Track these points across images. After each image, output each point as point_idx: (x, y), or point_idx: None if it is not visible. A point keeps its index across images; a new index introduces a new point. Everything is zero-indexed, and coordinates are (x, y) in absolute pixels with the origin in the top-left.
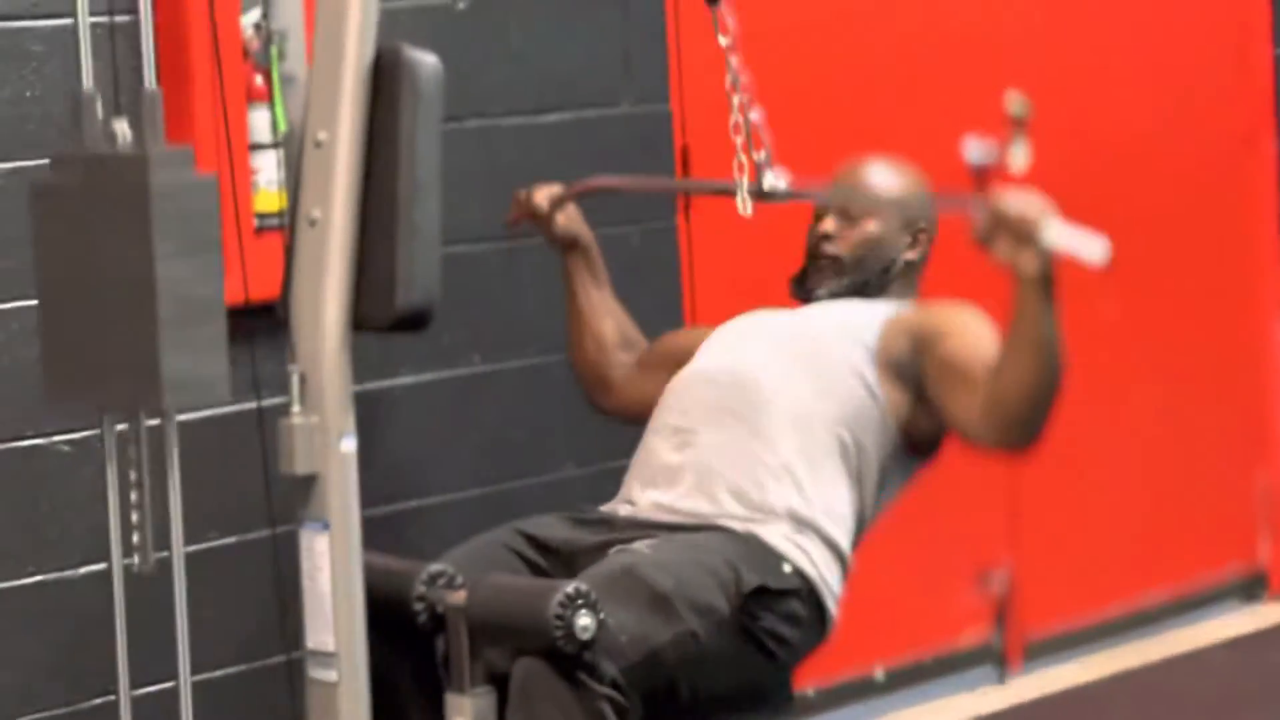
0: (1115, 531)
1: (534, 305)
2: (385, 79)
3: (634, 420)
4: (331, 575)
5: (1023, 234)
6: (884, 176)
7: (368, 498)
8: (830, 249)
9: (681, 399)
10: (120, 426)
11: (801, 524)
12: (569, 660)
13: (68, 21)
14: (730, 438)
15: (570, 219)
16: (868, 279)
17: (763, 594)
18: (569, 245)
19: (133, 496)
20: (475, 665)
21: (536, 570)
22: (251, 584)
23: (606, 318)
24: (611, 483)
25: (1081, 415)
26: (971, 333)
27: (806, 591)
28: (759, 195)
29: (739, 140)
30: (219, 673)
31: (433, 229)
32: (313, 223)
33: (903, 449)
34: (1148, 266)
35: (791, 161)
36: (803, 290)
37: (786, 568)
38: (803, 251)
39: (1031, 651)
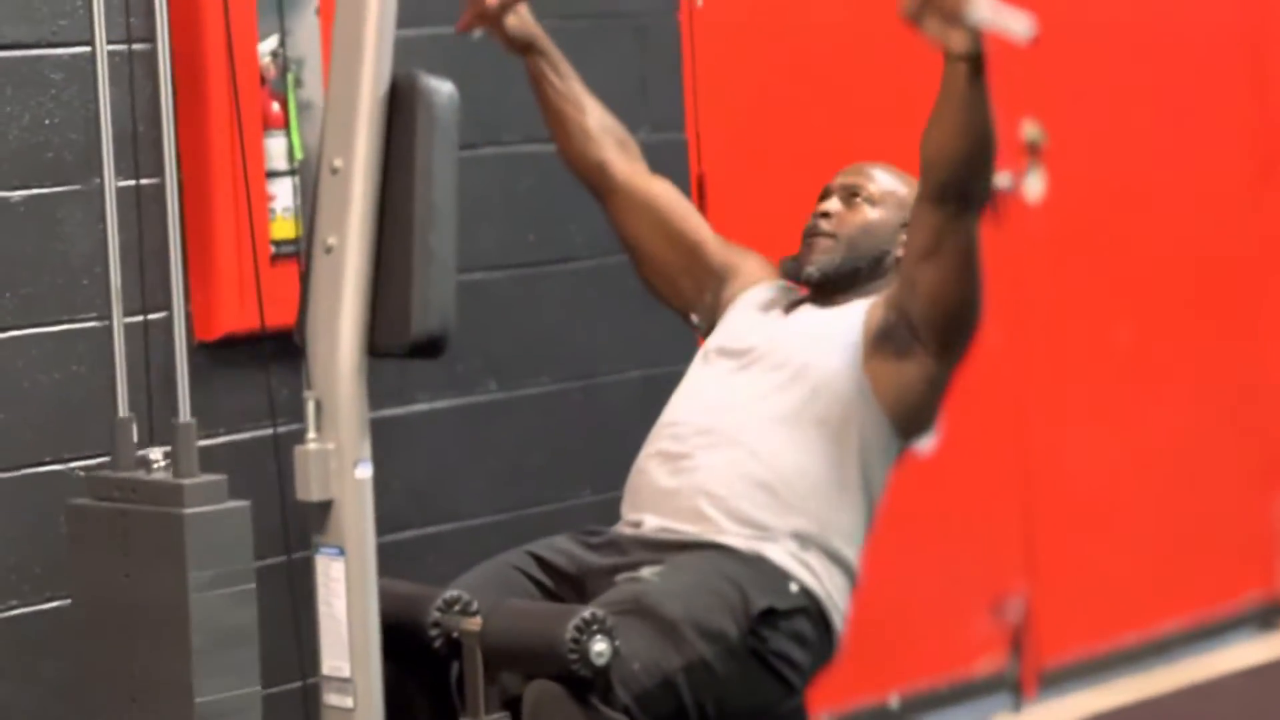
0: (1131, 559)
1: (549, 332)
2: (401, 106)
3: (617, 235)
4: (347, 601)
5: (951, 10)
6: (888, 171)
7: (383, 524)
8: (827, 226)
9: (675, 426)
10: None
11: (806, 539)
12: (582, 685)
13: (86, 49)
14: (726, 458)
15: (522, 20)
16: (859, 266)
17: (771, 615)
18: (525, 46)
19: None
20: (490, 690)
21: (548, 593)
22: (268, 609)
23: (584, 111)
24: None
25: (1097, 443)
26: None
27: (814, 610)
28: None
29: None
30: None
31: (448, 256)
32: (329, 250)
33: (890, 428)
34: (1164, 295)
35: (800, 188)
36: (795, 266)
37: (793, 587)
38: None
39: (1047, 679)
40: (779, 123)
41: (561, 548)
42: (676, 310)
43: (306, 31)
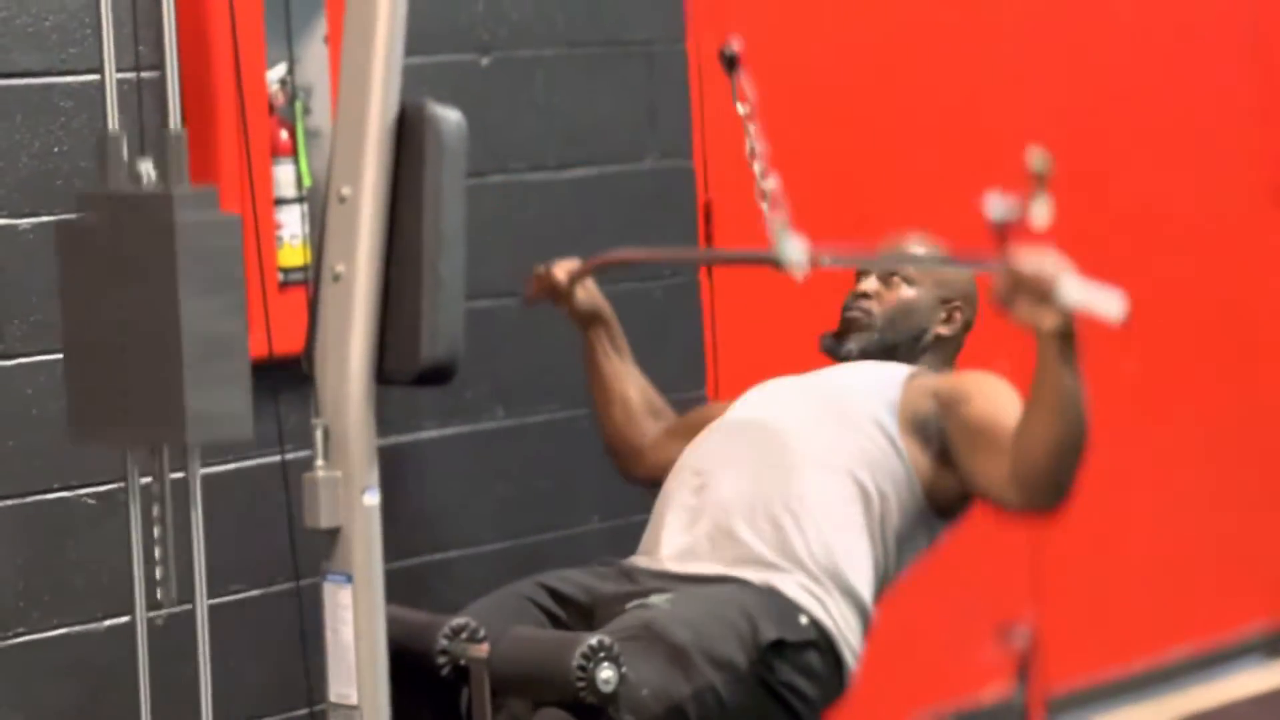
0: (1138, 586)
1: (557, 359)
2: (409, 134)
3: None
4: (355, 628)
5: (1041, 292)
6: (925, 248)
7: (391, 551)
8: (865, 305)
9: (701, 446)
10: (145, 480)
11: (820, 572)
12: (590, 713)
13: (95, 77)
14: (749, 481)
15: (589, 293)
16: (898, 343)
17: (780, 647)
18: (589, 320)
19: (155, 533)
20: (498, 718)
21: (557, 623)
22: (275, 636)
23: (631, 386)
24: (635, 536)
25: (1104, 470)
26: (995, 396)
27: (824, 644)
28: (777, 264)
29: (765, 206)
30: None
31: (456, 283)
32: (337, 277)
33: (927, 508)
34: (1171, 321)
35: (814, 223)
36: (833, 343)
37: (803, 619)
38: (838, 311)
39: (1054, 707)
40: (786, 151)
41: (573, 578)
42: None
43: (315, 59)
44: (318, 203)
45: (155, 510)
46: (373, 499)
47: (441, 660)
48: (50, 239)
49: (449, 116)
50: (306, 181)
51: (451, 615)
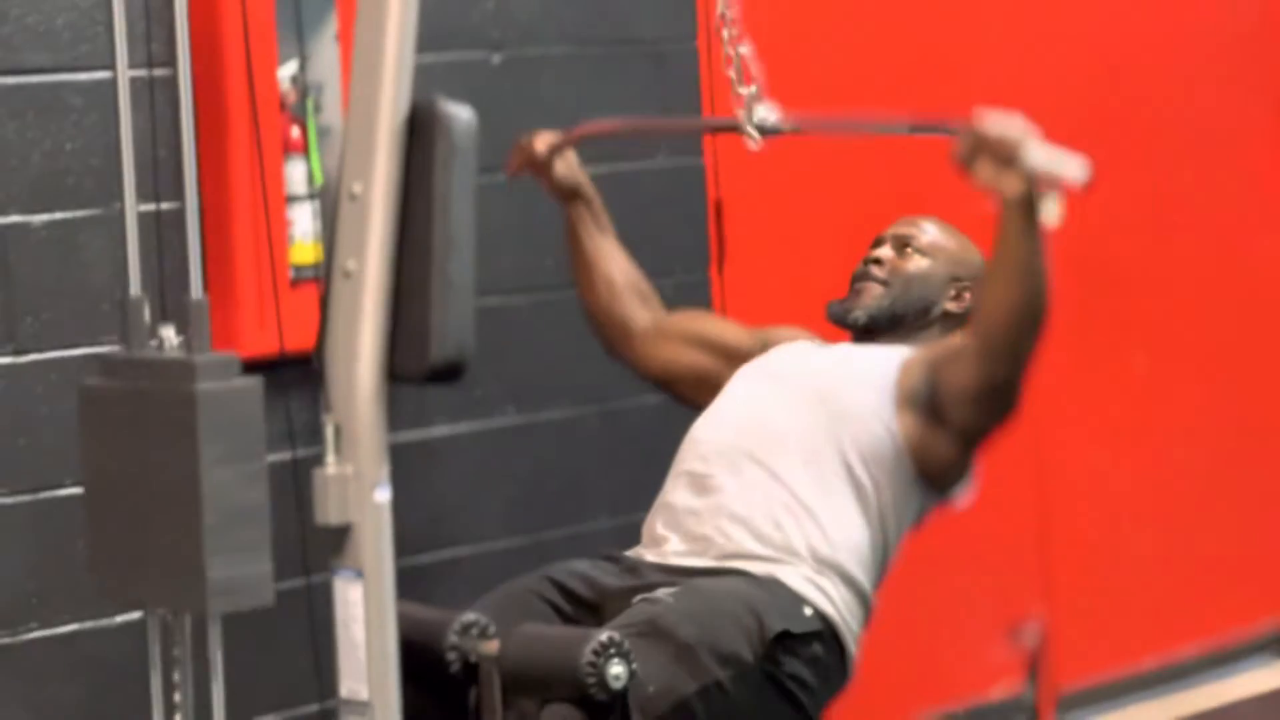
0: (1148, 585)
1: (568, 357)
2: (420, 132)
3: (648, 379)
4: (365, 624)
5: (1004, 156)
6: (941, 226)
7: (402, 548)
8: (877, 272)
9: (700, 446)
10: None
11: (822, 564)
12: (598, 709)
13: (107, 75)
14: (749, 481)
15: (569, 167)
16: (905, 313)
17: (786, 639)
18: (569, 194)
19: (176, 697)
20: (507, 714)
21: (565, 618)
22: (286, 633)
23: (614, 264)
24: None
25: (1114, 468)
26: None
27: (828, 634)
28: (756, 129)
29: (731, 73)
30: None
31: (467, 281)
32: (348, 274)
33: (917, 481)
34: (1181, 320)
35: (828, 226)
36: (841, 309)
37: (808, 610)
38: (848, 280)
39: (1064, 704)
40: (796, 149)
41: (580, 572)
42: None
43: (326, 57)
44: (329, 200)
45: (176, 657)
46: (384, 495)
47: (451, 656)
48: (61, 236)
49: (460, 114)
50: (318, 179)
51: (461, 611)
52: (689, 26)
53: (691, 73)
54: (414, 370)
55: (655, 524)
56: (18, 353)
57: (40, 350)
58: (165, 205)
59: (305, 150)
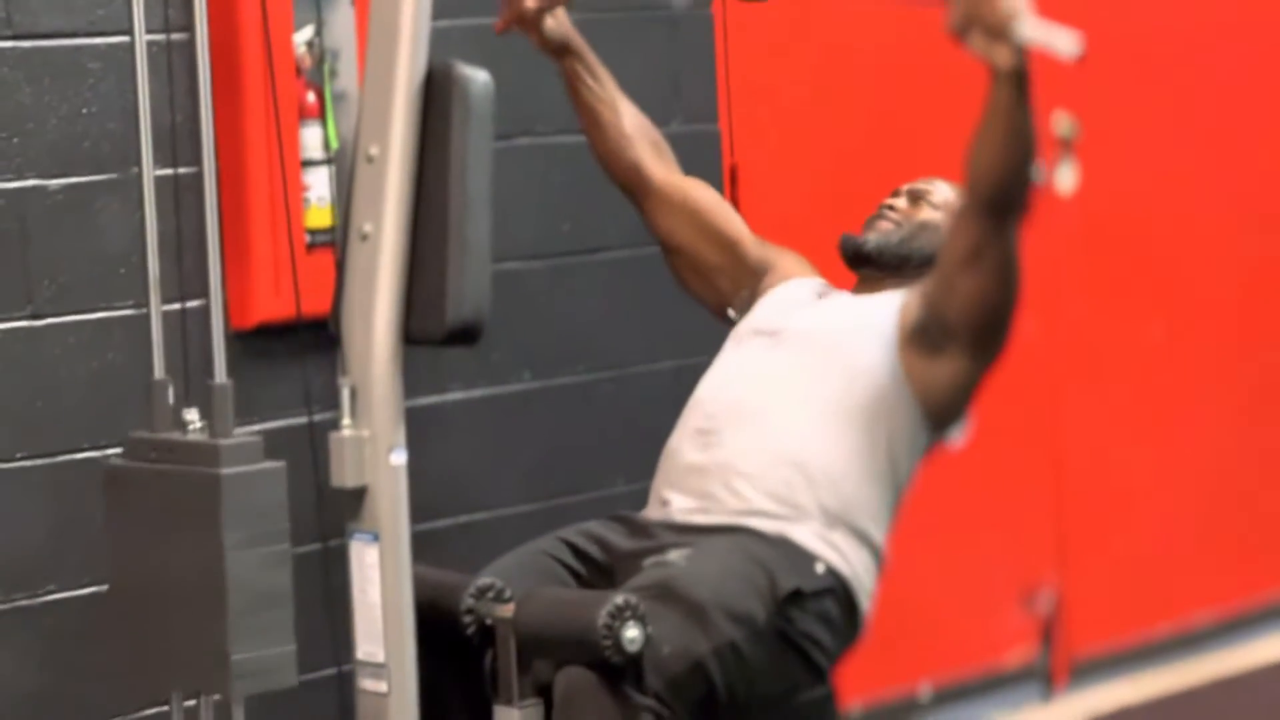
0: (1162, 551)
1: (584, 322)
2: (437, 95)
3: (654, 237)
4: (382, 586)
5: (996, 27)
6: (951, 185)
7: (417, 512)
8: (891, 214)
9: (705, 403)
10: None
11: (832, 518)
12: (613, 672)
13: (124, 39)
14: (754, 436)
15: (559, 22)
16: (911, 255)
17: (798, 597)
18: (561, 50)
19: None
20: (523, 678)
21: (580, 580)
22: (303, 596)
23: (619, 111)
24: None
25: (1129, 435)
26: None
27: (840, 590)
28: None
29: None
30: None
31: (483, 244)
32: (364, 237)
33: (922, 422)
34: (1198, 287)
35: (841, 183)
36: (852, 239)
37: (819, 567)
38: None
39: (1077, 671)
40: (811, 115)
41: (593, 533)
42: (713, 308)
43: (342, 21)
44: (345, 164)
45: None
46: (400, 458)
47: (467, 620)
48: (79, 200)
49: (477, 78)
50: (333, 143)
51: (476, 575)
52: None
53: (707, 39)
54: (431, 333)
55: (662, 482)
56: (35, 316)
57: (57, 314)
58: (182, 170)
59: (321, 115)
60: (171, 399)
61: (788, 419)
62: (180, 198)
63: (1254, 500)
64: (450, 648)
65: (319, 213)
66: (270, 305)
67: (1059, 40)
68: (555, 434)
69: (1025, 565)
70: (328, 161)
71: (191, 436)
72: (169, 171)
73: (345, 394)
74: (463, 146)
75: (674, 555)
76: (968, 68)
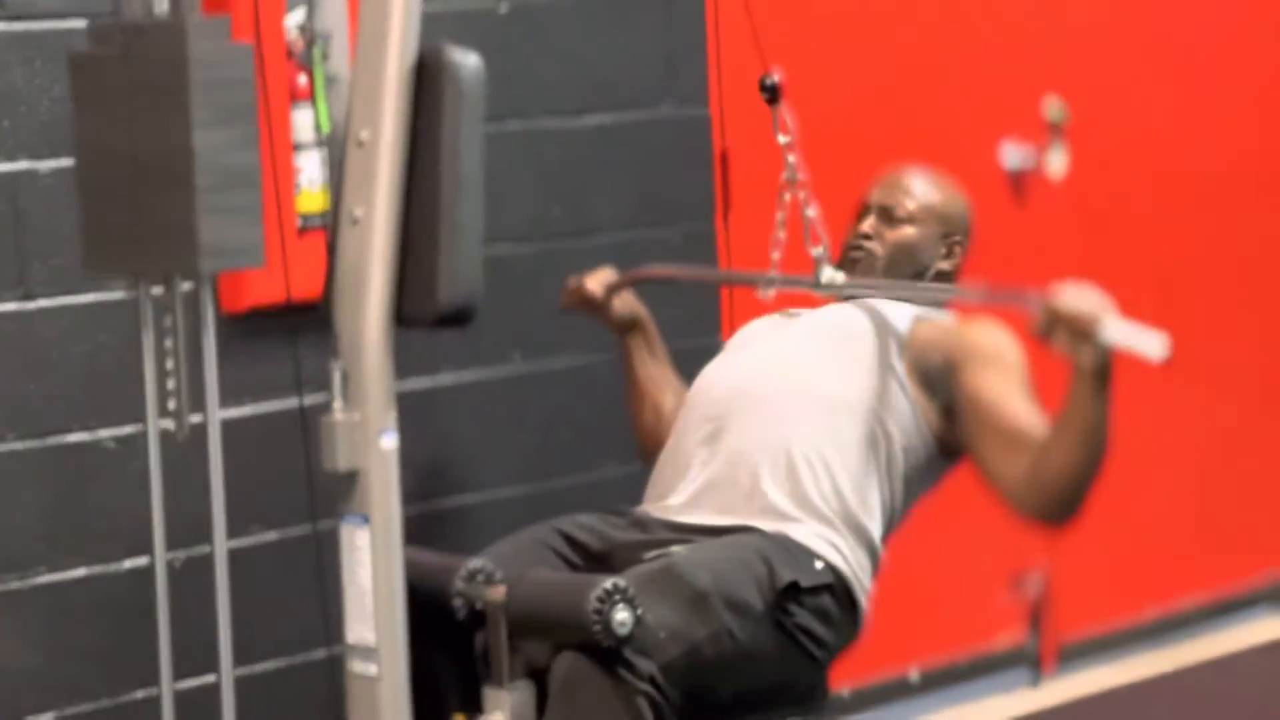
0: (1151, 535)
1: None
2: (428, 79)
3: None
4: (372, 570)
5: (1081, 330)
6: (924, 183)
7: (408, 495)
8: (868, 245)
9: (712, 390)
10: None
11: (834, 516)
12: (610, 655)
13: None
14: (759, 427)
15: (626, 302)
16: (900, 278)
17: (796, 590)
18: (628, 327)
19: (168, 364)
20: (514, 660)
21: (573, 568)
22: (293, 579)
23: (666, 391)
24: None
25: (1117, 420)
26: (1003, 371)
27: (839, 587)
28: (817, 288)
29: (781, 235)
30: (261, 666)
31: (475, 227)
32: (355, 221)
33: (935, 449)
34: (1189, 270)
35: (830, 171)
36: (833, 286)
37: (818, 564)
38: (839, 250)
39: (1066, 654)
40: (803, 100)
41: (588, 525)
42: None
43: (333, 5)
44: (336, 147)
45: (167, 327)
46: (390, 441)
47: (458, 602)
48: (71, 182)
49: (468, 61)
50: (325, 127)
51: (468, 558)
52: None
53: (699, 22)
54: (423, 315)
55: (663, 474)
56: (26, 298)
57: (49, 295)
58: None
59: (312, 98)
60: None
61: (792, 408)
62: None
63: (1241, 483)
64: (441, 630)
65: (310, 196)
66: (261, 289)
67: (1144, 342)
68: (547, 417)
69: (1014, 548)
70: (319, 145)
71: (157, 18)
72: None
73: (336, 377)
74: (454, 130)
75: (677, 550)
76: (959, 51)
